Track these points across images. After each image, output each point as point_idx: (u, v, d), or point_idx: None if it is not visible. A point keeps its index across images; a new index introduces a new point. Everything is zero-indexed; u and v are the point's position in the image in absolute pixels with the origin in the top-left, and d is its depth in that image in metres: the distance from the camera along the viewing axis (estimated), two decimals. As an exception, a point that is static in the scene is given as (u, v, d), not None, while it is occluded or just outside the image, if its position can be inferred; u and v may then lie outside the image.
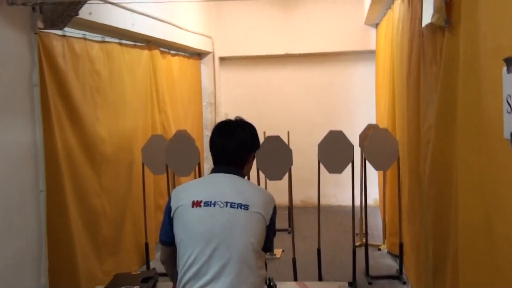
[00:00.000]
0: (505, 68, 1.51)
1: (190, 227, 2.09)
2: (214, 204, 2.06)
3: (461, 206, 2.10)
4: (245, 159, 2.23)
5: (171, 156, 4.78)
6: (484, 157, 1.79)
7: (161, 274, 4.72)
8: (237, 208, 2.05)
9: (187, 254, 2.07)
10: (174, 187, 5.09)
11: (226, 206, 2.05)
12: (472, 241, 1.99)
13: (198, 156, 4.86)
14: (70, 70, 3.77)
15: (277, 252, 5.54)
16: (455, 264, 2.24)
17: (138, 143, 4.99)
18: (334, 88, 7.80)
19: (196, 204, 2.08)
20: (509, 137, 1.52)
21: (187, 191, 2.18)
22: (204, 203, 2.07)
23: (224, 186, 2.13)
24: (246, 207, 2.04)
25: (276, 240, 2.32)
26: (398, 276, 4.83)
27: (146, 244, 5.02)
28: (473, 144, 1.91)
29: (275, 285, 2.29)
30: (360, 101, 7.68)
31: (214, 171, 2.22)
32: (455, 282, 2.25)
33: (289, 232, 4.63)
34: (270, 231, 2.15)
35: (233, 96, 7.87)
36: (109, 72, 4.45)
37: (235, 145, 2.19)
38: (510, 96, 1.49)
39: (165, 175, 4.99)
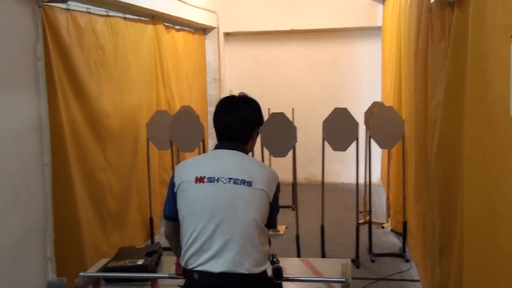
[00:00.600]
0: (513, 45, 1.49)
1: (193, 203, 2.09)
2: (218, 180, 2.06)
3: (466, 186, 2.10)
4: (249, 135, 2.22)
5: (175, 132, 4.78)
6: (489, 136, 1.78)
7: (165, 249, 4.79)
8: (241, 184, 2.04)
9: (190, 230, 2.08)
10: (178, 162, 5.11)
11: (230, 182, 2.05)
12: (476, 222, 1.99)
13: (203, 132, 4.86)
14: (74, 44, 3.75)
15: (281, 228, 5.57)
16: (461, 244, 2.24)
17: (143, 118, 4.99)
18: (339, 65, 7.73)
19: (199, 180, 2.08)
20: (515, 115, 1.51)
21: (191, 166, 2.18)
22: (208, 179, 2.07)
23: (228, 162, 2.12)
24: (249, 184, 2.04)
25: (280, 217, 2.33)
26: (401, 254, 4.85)
27: (151, 219, 5.06)
28: (479, 123, 1.89)
29: (278, 261, 2.28)
30: (365, 78, 7.61)
31: (217, 147, 2.22)
32: (461, 262, 2.25)
33: (293, 209, 4.65)
34: (273, 208, 2.15)
35: (237, 72, 7.82)
36: (114, 47, 4.42)
37: (239, 121, 2.17)
38: (518, 73, 1.47)
39: (169, 150, 5.00)
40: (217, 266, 2.01)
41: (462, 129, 2.22)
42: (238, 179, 2.05)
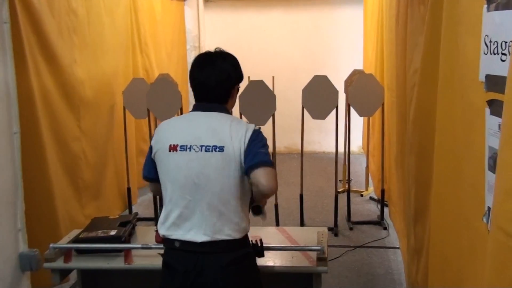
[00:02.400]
0: (485, 6, 1.43)
1: (168, 172, 2.07)
2: (190, 149, 2.00)
3: (436, 152, 2.08)
4: (228, 92, 2.11)
5: (153, 100, 4.69)
6: (459, 100, 1.74)
7: (141, 219, 4.79)
8: (212, 151, 1.98)
9: (167, 199, 2.08)
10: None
11: (201, 150, 1.99)
12: (444, 188, 1.97)
13: (180, 101, 4.78)
14: (44, 8, 3.61)
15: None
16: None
17: (119, 86, 4.88)
18: (321, 33, 7.63)
19: (172, 148, 2.03)
20: (484, 79, 1.46)
21: (166, 132, 2.11)
22: (180, 147, 2.02)
23: (201, 127, 2.04)
24: (221, 149, 1.98)
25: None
26: (379, 222, 4.87)
27: (128, 189, 5.01)
28: (451, 87, 1.86)
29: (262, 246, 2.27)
30: (347, 46, 7.54)
31: (195, 108, 2.12)
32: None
33: (273, 178, 4.60)
34: (251, 150, 1.99)
35: (218, 40, 7.67)
36: (87, 11, 4.27)
37: (217, 77, 2.05)
38: (487, 36, 1.42)
39: (147, 119, 4.92)
40: (198, 237, 2.00)
41: (437, 95, 2.18)
42: (210, 146, 1.98)
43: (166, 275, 2.11)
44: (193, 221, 2.01)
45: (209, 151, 1.99)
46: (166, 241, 2.11)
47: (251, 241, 2.19)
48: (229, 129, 2.01)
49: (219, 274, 2.00)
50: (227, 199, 2.01)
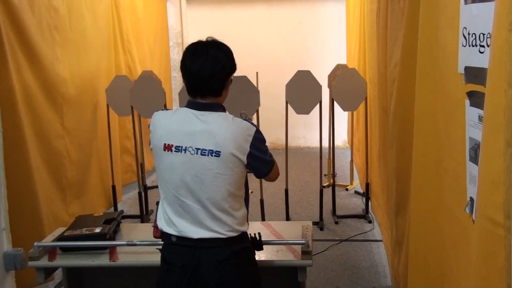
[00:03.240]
0: (463, -1, 1.46)
1: (162, 171, 2.04)
2: (185, 150, 1.96)
3: (415, 144, 2.10)
4: (223, 83, 2.02)
5: (136, 97, 4.67)
6: (439, 93, 1.77)
7: (126, 216, 4.77)
8: (208, 155, 1.94)
9: (163, 195, 2.07)
10: (140, 129, 5.01)
11: (197, 153, 1.95)
12: (424, 180, 2.00)
13: (164, 98, 4.76)
14: (24, 6, 3.57)
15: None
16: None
17: (102, 84, 4.85)
18: (304, 28, 7.65)
19: (167, 148, 1.99)
20: (463, 71, 1.48)
21: (161, 127, 2.04)
22: (175, 148, 1.98)
23: (198, 129, 1.98)
24: (217, 154, 1.94)
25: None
26: (364, 215, 4.91)
27: (113, 187, 4.99)
28: (430, 79, 1.88)
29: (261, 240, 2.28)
30: (330, 41, 7.57)
31: (190, 106, 2.04)
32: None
33: (258, 174, 4.61)
34: (255, 161, 2.01)
35: (200, 36, 7.60)
36: (68, 9, 4.24)
37: (211, 68, 1.97)
38: (466, 28, 1.44)
39: (130, 116, 4.90)
40: (193, 234, 1.99)
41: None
42: (206, 150, 1.94)
43: (164, 270, 2.10)
44: (188, 220, 2.00)
45: (205, 155, 1.95)
46: (163, 236, 2.09)
47: (250, 234, 2.18)
48: (228, 133, 1.96)
49: (216, 268, 1.99)
50: (223, 202, 1.99)
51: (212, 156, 1.94)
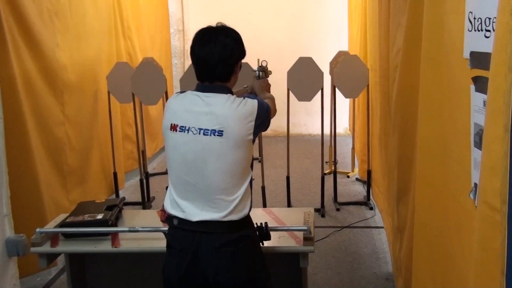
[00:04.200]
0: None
1: (168, 151, 2.10)
2: (188, 130, 1.99)
3: (420, 130, 2.09)
4: (232, 69, 2.03)
5: (137, 84, 4.66)
6: (444, 77, 1.75)
7: (128, 203, 4.78)
8: (211, 135, 1.96)
9: (169, 176, 2.12)
10: (141, 116, 5.01)
11: (199, 133, 1.97)
12: (428, 165, 1.99)
13: (165, 85, 4.76)
14: (24, -8, 3.55)
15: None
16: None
17: (102, 71, 4.84)
18: (306, 14, 7.60)
19: (173, 127, 2.03)
20: (468, 56, 1.47)
21: (171, 109, 2.08)
22: (180, 127, 2.01)
23: (201, 109, 1.99)
24: (220, 133, 1.95)
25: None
26: (365, 202, 4.92)
27: (115, 174, 4.99)
28: (435, 65, 1.86)
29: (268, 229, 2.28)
30: (332, 27, 7.53)
31: (197, 88, 2.07)
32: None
33: (259, 161, 4.63)
34: (259, 127, 2.05)
35: (202, 23, 7.45)
36: (68, -5, 4.21)
37: (220, 53, 1.97)
38: (471, 12, 1.42)
39: (131, 103, 4.89)
40: (193, 216, 2.00)
41: (420, 74, 2.19)
42: (208, 129, 1.96)
43: (167, 253, 2.13)
44: (190, 200, 2.02)
45: (207, 134, 1.96)
46: (168, 219, 2.11)
47: (256, 224, 2.18)
48: (232, 113, 1.97)
49: (213, 254, 1.99)
50: (225, 182, 1.99)
51: (214, 135, 1.95)
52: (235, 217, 2.01)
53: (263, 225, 2.24)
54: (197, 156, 1.98)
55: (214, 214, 1.99)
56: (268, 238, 2.26)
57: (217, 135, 1.95)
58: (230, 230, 2.01)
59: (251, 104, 2.02)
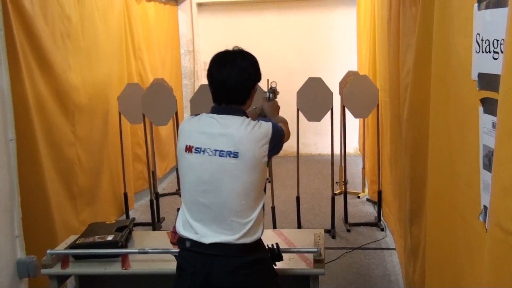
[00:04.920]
0: (476, 5, 1.44)
1: (183, 172, 2.09)
2: (204, 151, 2.00)
3: (430, 150, 2.09)
4: (248, 92, 2.08)
5: (148, 105, 4.70)
6: (452, 98, 1.75)
7: (138, 224, 4.78)
8: (226, 156, 1.97)
9: (182, 198, 2.12)
10: (151, 136, 5.04)
11: (215, 154, 1.98)
12: (439, 186, 1.98)
13: (176, 105, 4.79)
14: (38, 14, 3.61)
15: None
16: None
17: (113, 91, 4.88)
18: (315, 35, 7.65)
19: (188, 149, 2.04)
20: (476, 78, 1.47)
21: (186, 131, 2.11)
22: (195, 149, 2.03)
23: (217, 131, 2.02)
24: (235, 155, 1.96)
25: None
26: (376, 223, 4.88)
27: (125, 194, 5.00)
28: (444, 86, 1.87)
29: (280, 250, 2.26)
30: (341, 47, 7.55)
31: (212, 111, 2.10)
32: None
33: (269, 181, 4.61)
34: (273, 150, 2.07)
35: (212, 44, 7.67)
36: (80, 17, 4.27)
37: (238, 76, 2.02)
38: (479, 34, 1.43)
39: (142, 124, 4.92)
40: (206, 238, 1.99)
41: (430, 94, 2.20)
42: (224, 151, 1.97)
43: (177, 276, 2.11)
44: (203, 222, 2.01)
45: (223, 156, 1.98)
46: (179, 241, 2.10)
47: (267, 245, 2.17)
48: (247, 135, 1.99)
49: (227, 278, 1.97)
50: (239, 204, 1.99)
51: (230, 157, 1.97)
52: (248, 240, 2.00)
53: (275, 247, 2.23)
54: (212, 177, 1.99)
55: (227, 236, 1.98)
56: (280, 258, 2.25)
57: (233, 157, 1.96)
58: (243, 253, 2.00)
59: (266, 127, 2.04)
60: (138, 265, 2.66)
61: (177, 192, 6.05)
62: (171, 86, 5.10)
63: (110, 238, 2.81)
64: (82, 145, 4.23)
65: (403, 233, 3.20)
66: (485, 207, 1.45)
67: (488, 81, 1.41)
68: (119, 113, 4.86)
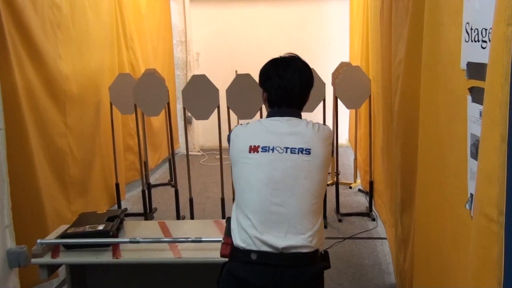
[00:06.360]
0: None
1: (244, 175, 1.97)
2: (273, 150, 1.93)
3: (420, 140, 2.09)
4: (307, 97, 2.11)
5: (139, 95, 4.67)
6: (441, 88, 1.76)
7: (130, 214, 4.78)
8: (298, 153, 1.92)
9: (243, 203, 1.95)
10: (143, 127, 5.02)
11: (286, 152, 1.92)
12: (428, 176, 1.99)
13: (168, 96, 4.76)
14: (27, 3, 3.57)
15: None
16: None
17: (105, 82, 4.86)
18: (307, 25, 7.64)
19: (253, 149, 1.95)
20: (465, 67, 1.47)
21: (244, 134, 2.03)
22: (262, 148, 1.94)
23: (284, 130, 1.98)
24: (308, 151, 1.92)
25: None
26: (367, 213, 4.90)
27: (117, 185, 4.99)
28: (433, 76, 1.87)
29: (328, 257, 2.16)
30: (334, 39, 7.55)
31: (272, 115, 2.06)
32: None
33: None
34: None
35: (204, 34, 7.66)
36: (71, 6, 4.24)
37: (300, 80, 2.04)
38: (468, 23, 1.43)
39: (133, 115, 4.90)
40: (279, 242, 1.86)
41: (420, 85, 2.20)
42: (295, 148, 1.92)
43: None
44: (271, 228, 1.87)
45: (295, 153, 1.92)
46: (240, 253, 1.91)
47: (320, 252, 2.02)
48: (315, 134, 1.98)
49: None
50: (311, 204, 1.90)
51: (302, 154, 1.92)
52: (316, 245, 1.91)
53: (327, 253, 2.06)
54: (286, 174, 1.90)
55: (298, 237, 1.86)
56: (329, 266, 2.06)
57: (305, 153, 1.92)
58: (312, 261, 1.91)
59: (328, 129, 2.07)
60: (129, 255, 2.66)
61: (170, 183, 6.05)
62: (163, 77, 5.08)
63: (101, 227, 2.81)
64: (73, 135, 4.21)
65: (394, 222, 3.22)
66: (471, 195, 1.46)
67: (476, 70, 1.41)
68: (110, 103, 4.84)
